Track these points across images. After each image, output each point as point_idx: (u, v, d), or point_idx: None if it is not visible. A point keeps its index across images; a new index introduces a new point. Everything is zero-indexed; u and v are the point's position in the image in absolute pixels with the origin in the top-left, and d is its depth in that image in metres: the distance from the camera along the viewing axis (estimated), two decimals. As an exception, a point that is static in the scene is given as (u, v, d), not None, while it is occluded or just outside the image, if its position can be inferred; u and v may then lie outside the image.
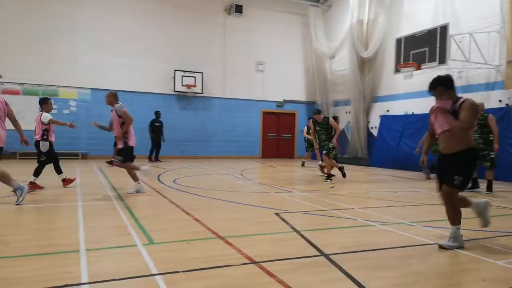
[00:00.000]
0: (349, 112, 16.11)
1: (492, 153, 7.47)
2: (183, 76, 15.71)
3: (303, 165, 13.62)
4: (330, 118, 9.65)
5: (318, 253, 3.49)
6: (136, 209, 5.35)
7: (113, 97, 6.87)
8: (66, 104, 14.37)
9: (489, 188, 7.62)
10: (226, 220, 4.89)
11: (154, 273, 2.91)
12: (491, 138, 7.42)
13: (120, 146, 6.70)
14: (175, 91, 15.76)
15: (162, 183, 8.28)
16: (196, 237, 3.97)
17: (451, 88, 3.83)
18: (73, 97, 14.49)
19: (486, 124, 7.43)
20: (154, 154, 14.32)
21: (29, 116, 14.11)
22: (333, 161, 9.57)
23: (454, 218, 3.78)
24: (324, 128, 9.33)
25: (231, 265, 3.12)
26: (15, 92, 13.65)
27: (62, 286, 2.61)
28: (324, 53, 17.41)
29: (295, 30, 17.98)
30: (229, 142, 16.78)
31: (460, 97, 3.80)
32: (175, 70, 15.62)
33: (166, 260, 3.22)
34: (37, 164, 7.23)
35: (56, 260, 3.20)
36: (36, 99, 13.85)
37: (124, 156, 6.65)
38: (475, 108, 3.74)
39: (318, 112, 9.45)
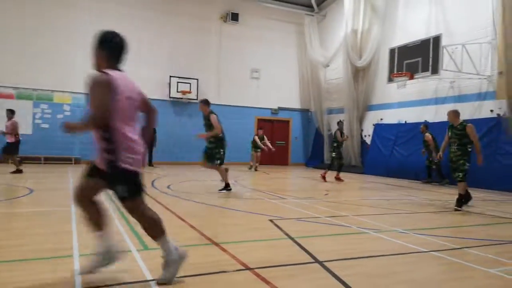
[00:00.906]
0: (343, 120, 16.21)
1: (468, 164, 6.59)
2: (178, 82, 15.74)
3: (253, 168, 14.42)
4: (212, 115, 7.63)
5: (312, 260, 3.50)
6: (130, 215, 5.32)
7: None
8: (60, 109, 14.30)
9: (459, 203, 6.66)
10: (221, 226, 4.89)
11: (148, 279, 2.91)
12: (470, 149, 6.61)
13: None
14: (170, 97, 15.77)
15: (157, 189, 8.25)
16: (191, 243, 3.96)
17: None
18: (67, 101, 14.43)
19: (465, 134, 6.61)
20: (147, 160, 14.28)
21: (22, 120, 14.09)
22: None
23: None
24: (206, 124, 7.78)
25: (226, 271, 3.13)
26: (9, 96, 13.56)
27: (56, 291, 2.60)
28: (319, 62, 17.57)
29: (291, 39, 18.14)
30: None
31: None
32: (170, 76, 15.64)
33: (160, 266, 3.20)
34: None
35: (48, 265, 3.18)
36: (30, 103, 13.86)
37: None
38: None
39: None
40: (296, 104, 18.53)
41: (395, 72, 13.09)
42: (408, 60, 12.73)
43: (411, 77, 12.36)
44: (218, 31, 16.77)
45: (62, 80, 14.20)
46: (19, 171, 10.16)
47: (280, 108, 18.16)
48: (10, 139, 10.26)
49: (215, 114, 7.75)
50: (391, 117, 14.11)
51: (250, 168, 14.78)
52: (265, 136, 14.92)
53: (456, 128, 6.75)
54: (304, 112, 18.61)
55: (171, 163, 15.61)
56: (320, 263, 3.41)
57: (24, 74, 13.64)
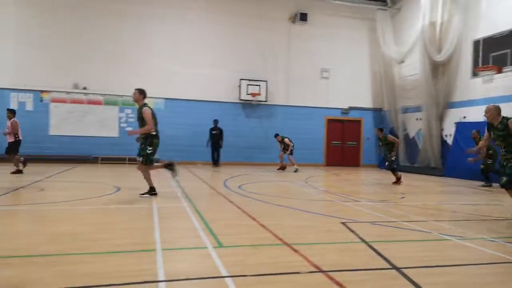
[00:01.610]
0: (420, 119, 15.28)
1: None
2: (248, 85, 16.09)
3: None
4: (145, 108, 6.81)
5: (388, 266, 3.35)
6: (205, 213, 5.57)
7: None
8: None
9: None
10: (292, 227, 4.89)
11: (224, 275, 3.02)
12: None
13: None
14: (240, 100, 16.18)
15: (228, 188, 8.52)
16: (262, 243, 4.03)
17: None
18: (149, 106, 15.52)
19: (509, 132, 5.52)
20: (215, 160, 14.95)
21: (110, 124, 15.39)
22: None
23: None
24: (139, 118, 6.89)
25: (299, 273, 3.12)
26: (98, 102, 14.98)
27: (141, 282, 2.81)
28: (393, 58, 16.75)
29: (361, 35, 17.56)
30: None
31: None
32: (240, 79, 16.04)
33: (235, 263, 3.31)
34: None
35: (134, 258, 3.45)
36: (116, 109, 15.17)
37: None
38: None
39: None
40: (367, 103, 17.87)
41: (480, 65, 11.99)
42: (495, 52, 11.59)
43: (499, 71, 11.23)
44: (287, 32, 16.82)
45: (142, 86, 15.24)
46: (19, 171, 10.09)
47: (351, 108, 17.65)
48: (10, 138, 10.18)
49: (149, 108, 6.86)
50: (475, 114, 12.94)
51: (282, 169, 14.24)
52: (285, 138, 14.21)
53: (497, 128, 5.67)
54: (377, 112, 17.86)
55: (241, 163, 16.00)
56: (398, 269, 3.26)
57: (111, 82, 14.97)
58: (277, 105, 16.79)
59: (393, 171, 10.39)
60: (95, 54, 14.79)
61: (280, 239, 4.16)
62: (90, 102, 14.87)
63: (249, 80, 16.14)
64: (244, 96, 16.09)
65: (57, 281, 2.80)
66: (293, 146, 13.92)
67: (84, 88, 14.78)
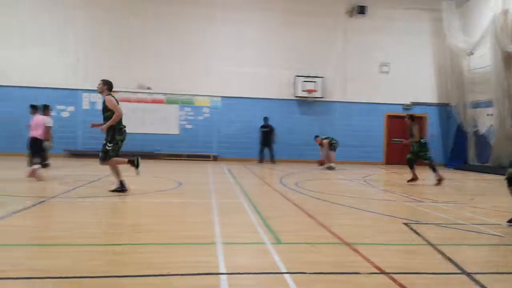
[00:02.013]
0: (492, 115, 14.14)
1: None
2: (303, 81, 15.93)
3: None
4: (108, 97, 6.48)
5: (458, 271, 3.15)
6: (263, 209, 5.62)
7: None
8: (201, 112, 15.95)
9: None
10: (351, 226, 4.78)
11: (283, 271, 3.03)
12: None
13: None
14: (295, 97, 16.08)
15: (285, 185, 8.52)
16: (321, 241, 3.98)
17: None
18: (206, 104, 16.01)
19: None
20: (269, 157, 14.99)
21: (171, 122, 16.08)
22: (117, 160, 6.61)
23: None
24: (105, 109, 6.53)
25: (359, 273, 3.05)
26: (160, 101, 15.72)
27: (204, 274, 2.91)
28: (461, 49, 15.64)
29: (424, 27, 16.61)
30: (350, 147, 16.30)
31: None
32: (295, 76, 15.93)
33: (293, 260, 3.31)
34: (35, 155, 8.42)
35: (195, 250, 3.58)
36: (177, 107, 15.83)
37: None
38: None
39: None
40: (432, 99, 16.88)
41: None
42: None
43: None
44: (343, 26, 16.40)
45: (201, 85, 15.79)
46: (45, 165, 9.90)
47: (414, 103, 16.78)
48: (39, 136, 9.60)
49: (113, 96, 6.52)
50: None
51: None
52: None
53: None
54: (442, 107, 16.82)
55: (294, 160, 15.90)
56: (468, 274, 3.05)
57: (171, 81, 15.64)
58: (333, 101, 16.46)
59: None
60: (158, 55, 15.50)
61: (339, 238, 4.08)
62: (153, 101, 15.66)
63: (305, 77, 15.97)
64: (300, 93, 15.96)
65: (126, 269, 3.00)
66: (334, 144, 13.37)
67: (148, 88, 15.59)
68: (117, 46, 15.32)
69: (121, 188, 6.57)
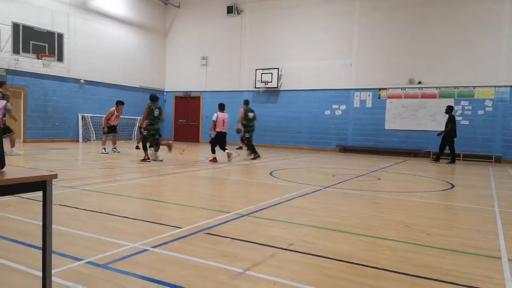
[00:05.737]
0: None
1: None
2: None
3: None
4: None
5: None
6: None
7: None
8: (481, 105, 13.90)
9: None
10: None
11: None
12: None
13: None
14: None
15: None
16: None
17: None
18: (489, 96, 13.79)
19: None
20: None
21: (443, 117, 14.90)
22: None
23: None
24: None
25: None
26: (432, 96, 14.72)
27: (484, 289, 2.58)
28: None
29: None
30: None
31: None
32: None
33: None
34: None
35: (473, 260, 3.19)
36: (451, 101, 14.35)
37: None
38: None
39: None
40: None
41: None
42: None
43: None
44: None
45: (484, 75, 13.71)
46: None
47: None
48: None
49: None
50: None
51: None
52: None
53: None
54: None
55: None
56: None
57: (446, 73, 14.34)
58: None
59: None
60: (428, 47, 14.58)
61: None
62: (424, 96, 14.85)
63: None
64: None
65: (396, 265, 3.03)
66: None
67: (419, 83, 14.91)
68: (386, 44, 15.32)
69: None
